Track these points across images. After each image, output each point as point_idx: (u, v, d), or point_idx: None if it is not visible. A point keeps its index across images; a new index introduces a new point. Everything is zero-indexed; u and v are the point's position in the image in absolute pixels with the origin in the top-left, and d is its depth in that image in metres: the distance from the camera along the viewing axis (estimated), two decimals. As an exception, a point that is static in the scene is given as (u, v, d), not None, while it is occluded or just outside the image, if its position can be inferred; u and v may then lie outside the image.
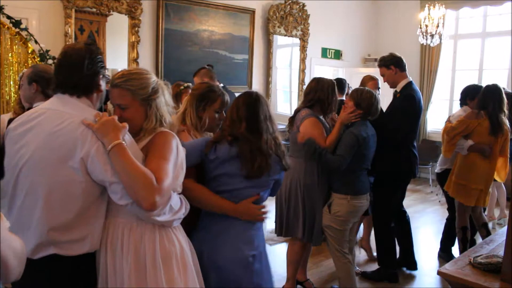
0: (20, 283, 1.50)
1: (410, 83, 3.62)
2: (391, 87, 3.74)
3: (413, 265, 3.86)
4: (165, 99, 1.81)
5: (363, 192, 3.07)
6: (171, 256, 1.69)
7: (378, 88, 3.98)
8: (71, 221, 1.58)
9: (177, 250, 1.72)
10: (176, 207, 1.73)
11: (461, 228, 3.92)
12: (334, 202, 3.04)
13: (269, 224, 3.37)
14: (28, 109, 2.64)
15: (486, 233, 3.90)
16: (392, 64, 3.61)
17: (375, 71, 7.29)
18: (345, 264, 3.07)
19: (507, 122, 3.68)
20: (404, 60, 3.66)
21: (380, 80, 4.01)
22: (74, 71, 1.66)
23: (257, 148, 1.99)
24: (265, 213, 2.10)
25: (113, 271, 1.67)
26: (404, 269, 3.89)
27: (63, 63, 1.69)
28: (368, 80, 4.07)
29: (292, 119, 3.21)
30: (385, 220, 3.68)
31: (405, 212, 3.90)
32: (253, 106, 2.07)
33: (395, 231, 3.83)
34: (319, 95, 3.10)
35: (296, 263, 3.30)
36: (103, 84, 1.75)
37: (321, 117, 3.15)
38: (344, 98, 4.79)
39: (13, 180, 1.63)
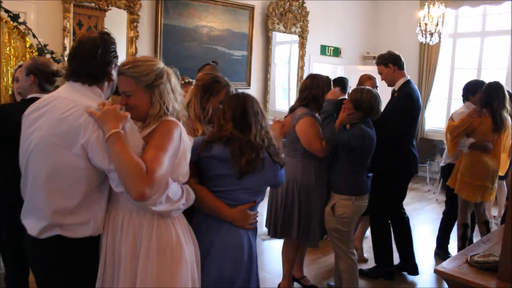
0: (31, 261, 1.77)
1: (408, 81, 3.60)
2: (388, 85, 3.73)
3: (414, 270, 3.80)
4: (171, 86, 1.80)
5: (366, 192, 3.05)
6: (165, 247, 1.71)
7: (376, 86, 3.96)
8: (74, 206, 1.65)
9: (173, 242, 1.73)
10: (174, 197, 1.73)
11: (462, 225, 3.95)
12: (337, 203, 2.96)
13: (264, 221, 3.35)
14: (22, 99, 2.66)
15: (486, 230, 3.92)
16: (390, 62, 3.59)
17: (374, 69, 7.27)
18: (351, 266, 3.04)
19: (509, 118, 3.71)
20: (402, 58, 3.64)
21: (378, 78, 3.99)
22: (88, 59, 1.71)
23: (246, 143, 1.98)
24: (256, 217, 2.12)
25: (112, 255, 1.73)
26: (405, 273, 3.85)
27: (77, 51, 1.74)
28: (366, 79, 4.05)
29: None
30: (382, 218, 3.67)
31: (404, 213, 3.84)
32: (240, 105, 2.06)
33: (394, 234, 3.82)
34: (314, 93, 3.04)
35: (291, 261, 3.29)
36: (114, 73, 1.79)
37: (317, 115, 3.09)
38: (346, 97, 4.77)
39: (24, 164, 1.73)
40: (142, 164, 1.55)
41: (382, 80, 3.75)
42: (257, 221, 2.17)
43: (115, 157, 1.56)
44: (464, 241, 3.93)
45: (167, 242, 1.71)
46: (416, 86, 3.68)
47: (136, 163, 1.54)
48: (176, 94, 1.82)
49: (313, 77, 3.12)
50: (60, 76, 2.72)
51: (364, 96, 2.90)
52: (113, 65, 1.78)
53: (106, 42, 1.75)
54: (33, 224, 1.70)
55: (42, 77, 2.59)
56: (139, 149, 1.65)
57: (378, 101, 2.95)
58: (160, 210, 1.68)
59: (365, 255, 4.18)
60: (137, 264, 1.68)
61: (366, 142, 2.94)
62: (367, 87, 3.08)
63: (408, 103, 3.49)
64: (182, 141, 1.74)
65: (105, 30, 1.83)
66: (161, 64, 1.81)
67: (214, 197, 2.01)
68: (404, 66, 3.64)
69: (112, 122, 1.58)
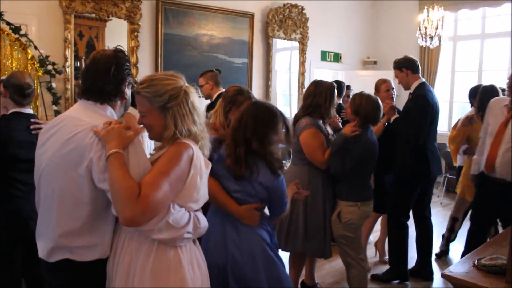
0: (47, 284, 1.75)
1: (422, 84, 3.66)
2: (405, 89, 3.82)
3: (429, 276, 3.80)
4: (189, 107, 1.68)
5: (371, 197, 3.04)
6: (161, 273, 1.61)
7: (392, 88, 4.01)
8: (80, 228, 1.61)
9: (171, 269, 1.63)
10: (177, 224, 1.61)
11: (451, 218, 4.26)
12: (343, 210, 2.95)
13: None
14: (3, 115, 2.68)
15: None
16: (404, 67, 3.70)
17: (374, 74, 7.35)
18: (361, 272, 3.02)
19: None
20: (417, 62, 3.74)
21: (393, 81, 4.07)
22: (101, 77, 1.68)
23: (235, 156, 2.09)
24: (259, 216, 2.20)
25: (109, 277, 1.68)
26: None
27: (91, 69, 1.71)
28: (381, 83, 4.09)
29: (292, 128, 3.08)
30: (398, 221, 3.70)
31: (427, 218, 3.84)
32: (244, 118, 2.15)
33: (416, 238, 3.87)
34: (317, 100, 3.00)
35: (298, 268, 3.26)
36: (128, 92, 1.77)
37: (321, 122, 3.06)
38: (341, 101, 4.78)
39: (37, 182, 1.71)
40: (135, 188, 1.48)
41: (399, 83, 3.85)
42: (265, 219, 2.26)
43: (109, 177, 1.51)
44: (450, 233, 4.27)
45: (164, 269, 1.61)
46: (431, 88, 3.75)
47: (128, 186, 1.47)
48: (195, 115, 1.70)
49: (316, 84, 3.07)
50: (30, 88, 2.70)
51: (363, 103, 2.93)
52: (127, 83, 1.75)
53: (120, 59, 1.72)
54: (42, 246, 1.68)
55: (12, 90, 2.61)
56: (142, 172, 1.57)
57: (375, 107, 2.95)
58: (160, 238, 1.59)
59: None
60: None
61: (370, 151, 2.96)
62: (367, 93, 3.05)
63: (421, 105, 3.54)
64: (193, 165, 1.64)
65: (120, 47, 1.78)
66: (179, 83, 1.69)
67: (225, 192, 2.13)
68: (419, 69, 3.73)
69: (115, 142, 1.53)
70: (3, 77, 2.98)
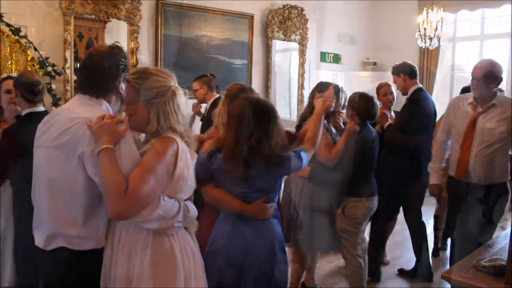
0: (40, 273, 1.80)
1: (419, 89, 3.70)
2: (403, 94, 3.86)
3: (429, 277, 3.82)
4: (173, 106, 1.73)
5: (375, 193, 3.11)
6: (159, 264, 1.67)
7: (391, 92, 4.02)
8: (76, 217, 1.65)
9: (167, 259, 1.70)
10: (168, 214, 1.69)
11: (434, 216, 4.35)
12: (348, 205, 3.03)
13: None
14: (17, 116, 2.71)
15: None
16: (401, 72, 3.75)
17: (373, 75, 7.34)
18: (358, 269, 3.07)
19: None
20: (415, 68, 3.77)
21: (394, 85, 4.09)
22: (95, 72, 1.73)
23: (232, 154, 2.04)
24: (272, 208, 2.18)
25: (109, 270, 1.72)
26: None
27: (86, 64, 1.76)
28: (380, 87, 4.14)
29: (298, 127, 3.12)
30: (382, 221, 3.77)
31: (419, 220, 3.85)
32: (238, 115, 2.09)
33: (411, 239, 3.90)
34: None
35: (300, 268, 3.28)
36: (123, 87, 1.80)
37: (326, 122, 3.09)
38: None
39: (34, 174, 1.75)
40: (123, 183, 1.54)
41: (397, 89, 3.90)
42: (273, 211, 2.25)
43: (100, 173, 1.56)
44: (436, 231, 4.34)
45: (161, 259, 1.69)
46: (428, 94, 3.79)
47: (115, 181, 1.53)
48: (179, 116, 1.76)
49: (322, 85, 3.14)
50: (40, 84, 2.74)
51: (357, 98, 3.07)
52: (122, 79, 1.78)
53: (115, 55, 1.76)
54: (39, 235, 1.72)
55: (23, 88, 2.67)
56: (132, 167, 1.62)
57: (368, 102, 3.06)
58: (152, 228, 1.66)
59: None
60: (128, 280, 1.66)
61: (370, 145, 3.03)
62: (362, 92, 3.14)
63: (413, 109, 3.59)
64: (180, 159, 1.69)
65: (117, 43, 1.83)
66: (170, 82, 1.75)
67: (231, 196, 2.12)
68: (417, 75, 3.76)
69: (106, 137, 1.58)
70: (5, 75, 2.99)
